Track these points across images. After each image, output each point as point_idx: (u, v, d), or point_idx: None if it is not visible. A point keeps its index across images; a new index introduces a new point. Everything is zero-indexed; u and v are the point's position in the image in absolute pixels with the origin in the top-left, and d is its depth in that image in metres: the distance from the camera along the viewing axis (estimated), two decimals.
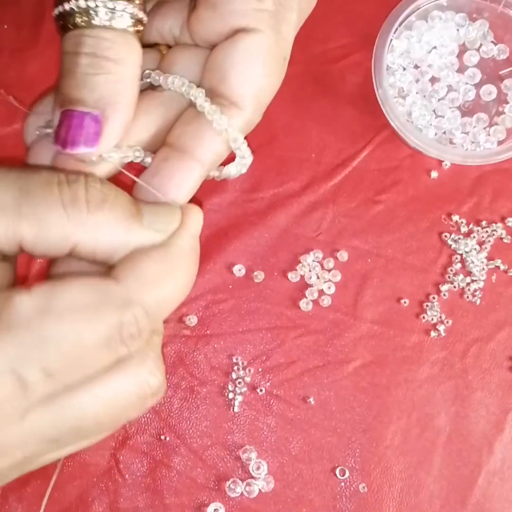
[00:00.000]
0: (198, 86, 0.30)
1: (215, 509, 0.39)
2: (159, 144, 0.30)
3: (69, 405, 0.25)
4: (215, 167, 0.31)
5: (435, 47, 0.45)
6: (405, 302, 0.42)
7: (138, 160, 0.30)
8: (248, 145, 0.31)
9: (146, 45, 0.31)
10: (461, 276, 0.42)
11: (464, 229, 0.43)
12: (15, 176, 0.25)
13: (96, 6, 0.27)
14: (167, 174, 0.29)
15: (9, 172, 0.26)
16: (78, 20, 0.27)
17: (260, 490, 0.39)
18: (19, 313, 0.23)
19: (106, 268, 0.26)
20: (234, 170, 0.33)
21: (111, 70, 0.27)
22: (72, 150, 0.27)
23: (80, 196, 0.26)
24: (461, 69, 0.45)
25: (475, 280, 0.42)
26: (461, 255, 0.43)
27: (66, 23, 0.28)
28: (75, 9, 0.27)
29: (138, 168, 0.30)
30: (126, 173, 0.29)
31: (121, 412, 0.27)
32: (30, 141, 0.31)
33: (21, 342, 0.23)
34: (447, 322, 0.42)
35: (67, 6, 0.27)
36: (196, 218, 0.29)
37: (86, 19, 0.27)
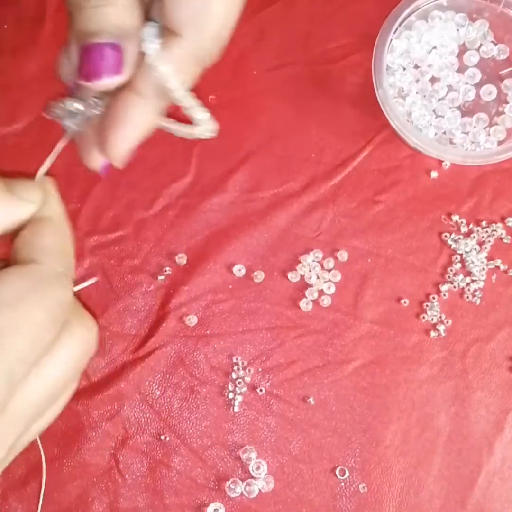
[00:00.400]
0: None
1: (215, 509, 0.39)
2: None
3: (37, 381, 0.27)
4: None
5: (435, 47, 0.45)
6: (405, 302, 0.42)
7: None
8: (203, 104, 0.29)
9: None
10: (461, 276, 0.42)
11: (464, 229, 0.43)
12: None
13: None
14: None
15: None
16: None
17: (260, 490, 0.39)
18: None
19: None
20: (197, 132, 0.30)
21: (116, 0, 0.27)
22: (97, 82, 0.28)
23: None
24: (461, 69, 0.44)
25: (475, 280, 0.42)
26: (461, 255, 0.43)
27: None
28: None
29: None
30: None
31: (77, 368, 0.29)
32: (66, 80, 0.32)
33: None
34: (447, 322, 0.42)
35: None
36: (50, 198, 0.32)
37: None
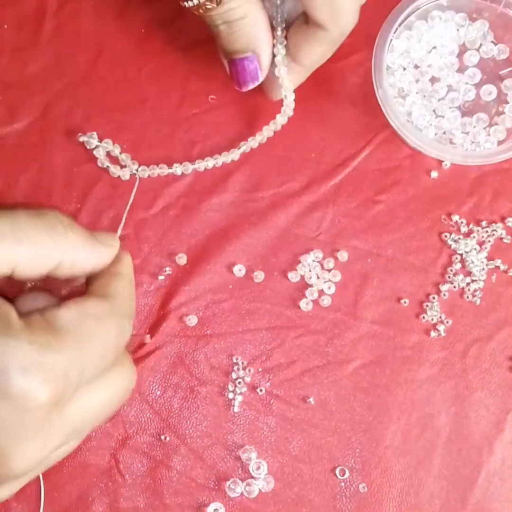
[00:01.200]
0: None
1: (215, 509, 0.39)
2: None
3: (84, 401, 0.31)
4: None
5: (435, 47, 0.45)
6: (405, 302, 0.42)
7: None
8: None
9: None
10: (461, 276, 0.42)
11: (464, 229, 0.43)
12: (5, 213, 0.32)
13: None
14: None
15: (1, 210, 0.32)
16: (208, 6, 0.37)
17: (260, 490, 0.39)
18: (65, 321, 0.30)
19: (59, 300, 0.34)
20: (280, 119, 0.41)
21: (243, 25, 0.37)
22: (245, 88, 0.40)
23: (57, 223, 0.33)
24: (461, 69, 0.44)
25: (475, 280, 0.42)
26: (461, 255, 0.43)
27: (198, 9, 0.37)
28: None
29: None
30: None
31: (116, 403, 0.34)
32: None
33: (74, 341, 0.30)
34: (447, 322, 0.42)
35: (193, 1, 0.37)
36: (126, 257, 0.37)
37: (214, 5, 0.36)
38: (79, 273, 0.34)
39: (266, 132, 0.42)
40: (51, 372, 0.28)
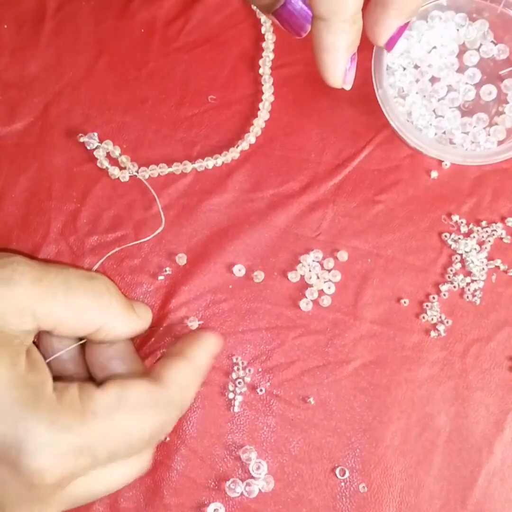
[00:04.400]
0: None
1: (215, 509, 0.39)
2: None
3: (96, 480, 0.32)
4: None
5: (435, 47, 0.45)
6: (405, 302, 0.42)
7: None
8: None
9: None
10: (461, 276, 0.42)
11: (464, 229, 0.43)
12: (59, 270, 0.34)
13: None
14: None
15: (55, 268, 0.34)
16: None
17: (260, 490, 0.39)
18: (98, 406, 0.30)
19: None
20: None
21: None
22: (304, 32, 0.35)
23: (104, 290, 0.35)
24: (461, 69, 0.44)
25: (475, 280, 0.42)
26: (461, 255, 0.43)
27: None
28: None
29: None
30: None
31: (121, 486, 0.34)
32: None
33: (98, 428, 0.30)
34: (447, 322, 0.42)
35: None
36: (212, 341, 0.38)
37: None
38: (112, 340, 0.35)
39: (261, 119, 0.42)
40: (65, 455, 0.29)
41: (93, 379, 0.35)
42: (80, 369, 0.36)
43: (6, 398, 0.28)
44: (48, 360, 0.34)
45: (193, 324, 0.41)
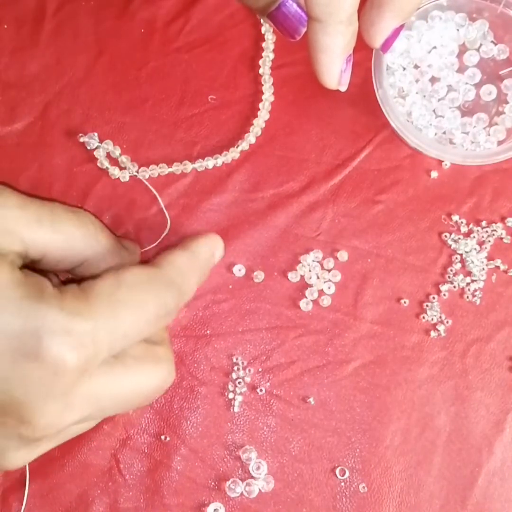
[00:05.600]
0: None
1: (215, 509, 0.39)
2: None
3: (119, 377, 0.32)
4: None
5: (435, 47, 0.45)
6: (405, 302, 0.42)
7: None
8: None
9: None
10: (461, 276, 0.42)
11: (464, 229, 0.43)
12: (45, 202, 0.34)
13: None
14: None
15: (40, 200, 0.34)
16: None
17: (260, 490, 0.39)
18: (100, 288, 0.31)
19: None
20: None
21: None
22: (298, 35, 0.36)
23: (89, 223, 0.35)
24: (461, 69, 0.44)
25: (475, 280, 0.42)
26: (461, 255, 0.43)
27: None
28: None
29: None
30: None
31: (144, 395, 0.34)
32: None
33: (105, 309, 0.30)
34: (447, 322, 0.42)
35: None
36: (214, 239, 0.38)
37: None
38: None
39: (261, 119, 0.42)
40: (81, 339, 0.29)
41: None
42: None
43: (13, 294, 0.29)
44: None
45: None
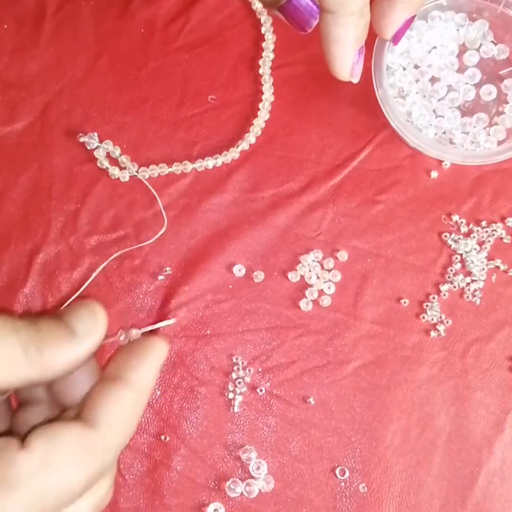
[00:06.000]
0: None
1: (215, 509, 0.39)
2: None
3: None
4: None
5: (435, 47, 0.45)
6: (405, 302, 0.42)
7: None
8: None
9: None
10: (461, 276, 0.42)
11: (464, 229, 0.43)
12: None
13: None
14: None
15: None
16: None
17: (260, 490, 0.39)
18: (23, 472, 0.25)
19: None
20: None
21: None
22: (309, 28, 0.35)
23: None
24: (461, 69, 0.44)
25: (475, 280, 0.42)
26: (461, 255, 0.43)
27: None
28: None
29: None
30: None
31: None
32: None
33: (22, 498, 0.25)
34: (447, 322, 0.42)
35: None
36: (159, 350, 0.29)
37: None
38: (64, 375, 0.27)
39: (261, 119, 0.42)
40: None
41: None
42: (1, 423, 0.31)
43: None
44: None
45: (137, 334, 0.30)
